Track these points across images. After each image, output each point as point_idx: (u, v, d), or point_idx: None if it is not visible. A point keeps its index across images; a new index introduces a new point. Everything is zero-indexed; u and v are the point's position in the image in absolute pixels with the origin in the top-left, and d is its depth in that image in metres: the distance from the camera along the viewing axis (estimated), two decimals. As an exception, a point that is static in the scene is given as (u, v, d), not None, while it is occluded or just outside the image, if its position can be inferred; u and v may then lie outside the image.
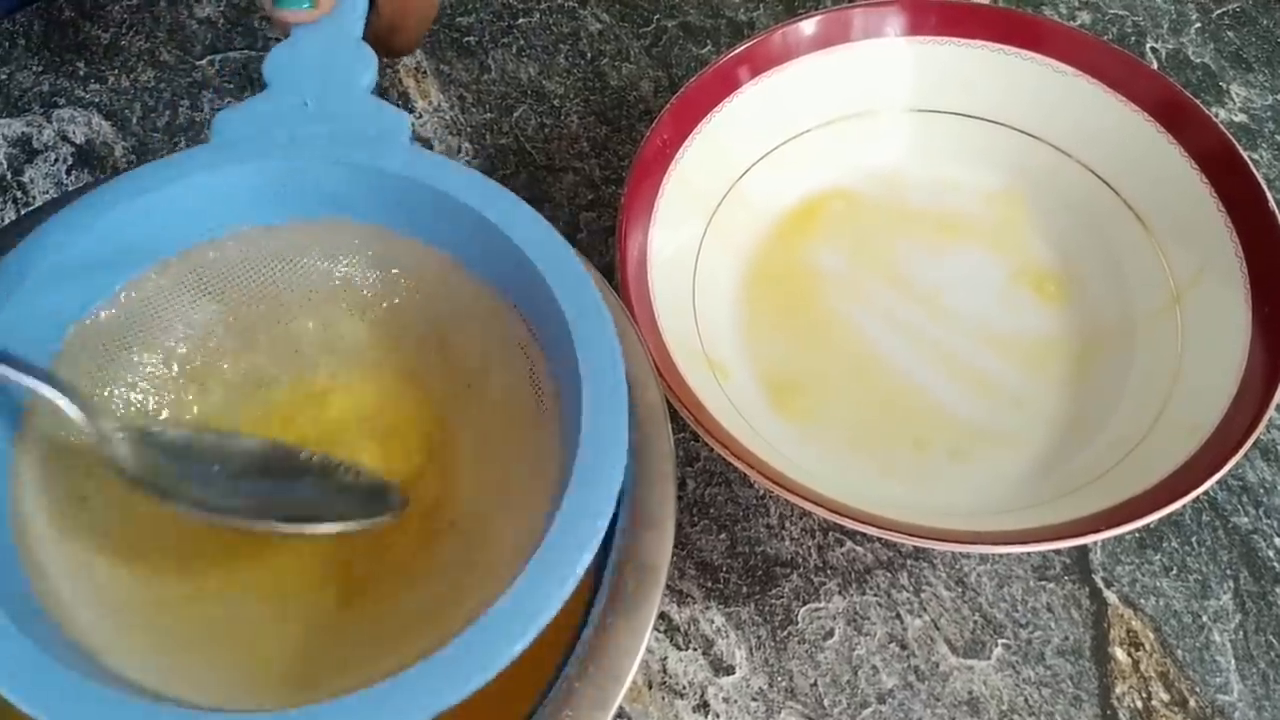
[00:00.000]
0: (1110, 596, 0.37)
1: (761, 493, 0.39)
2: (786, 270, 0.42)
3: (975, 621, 0.36)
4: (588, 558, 0.22)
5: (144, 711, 0.21)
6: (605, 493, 0.23)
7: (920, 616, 0.36)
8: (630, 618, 0.25)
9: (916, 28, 0.43)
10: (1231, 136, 0.39)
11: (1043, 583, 0.37)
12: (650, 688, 0.35)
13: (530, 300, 0.27)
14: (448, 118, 0.48)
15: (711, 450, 0.34)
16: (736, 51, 0.42)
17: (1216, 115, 0.46)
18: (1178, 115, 0.40)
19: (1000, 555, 0.37)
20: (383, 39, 0.33)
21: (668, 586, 0.36)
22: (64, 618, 0.24)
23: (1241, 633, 0.36)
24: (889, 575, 0.37)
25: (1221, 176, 0.39)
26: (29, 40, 0.50)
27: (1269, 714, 0.34)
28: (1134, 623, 0.36)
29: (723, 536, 0.38)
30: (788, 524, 0.38)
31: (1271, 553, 0.37)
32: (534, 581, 0.22)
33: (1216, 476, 0.32)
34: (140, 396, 0.28)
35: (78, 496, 0.27)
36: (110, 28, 0.51)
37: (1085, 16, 0.53)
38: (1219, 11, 0.53)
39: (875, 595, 0.37)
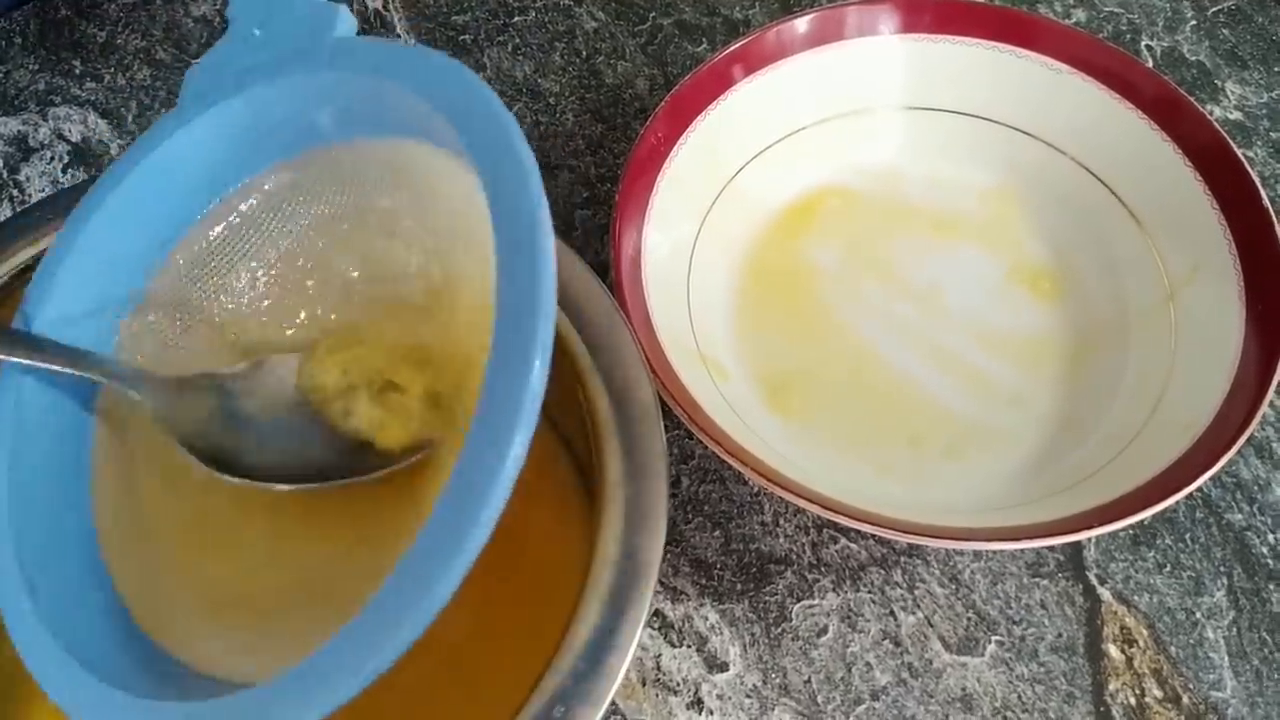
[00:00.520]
0: (1104, 593, 0.37)
1: (756, 490, 0.39)
2: (781, 268, 0.42)
3: (969, 618, 0.36)
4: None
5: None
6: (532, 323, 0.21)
7: (914, 613, 0.36)
8: (622, 614, 0.25)
9: (911, 25, 0.43)
10: (1226, 134, 0.39)
11: (1036, 579, 0.37)
12: (644, 684, 0.35)
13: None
14: (443, 116, 0.48)
15: (706, 447, 0.34)
16: (731, 49, 0.42)
17: (1211, 113, 0.46)
18: (1173, 113, 0.40)
19: (994, 552, 0.37)
20: None
21: (662, 583, 0.37)
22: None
23: (1235, 629, 0.36)
24: (883, 572, 0.37)
25: (1216, 174, 0.39)
26: (25, 39, 0.51)
27: (1262, 710, 0.34)
28: (1127, 619, 0.36)
29: (717, 533, 0.38)
30: (782, 521, 0.38)
31: (1265, 550, 0.37)
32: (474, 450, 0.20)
33: (1210, 473, 0.32)
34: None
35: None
36: (106, 26, 0.51)
37: (1080, 14, 0.53)
38: (1214, 9, 0.53)
39: (869, 592, 0.37)
